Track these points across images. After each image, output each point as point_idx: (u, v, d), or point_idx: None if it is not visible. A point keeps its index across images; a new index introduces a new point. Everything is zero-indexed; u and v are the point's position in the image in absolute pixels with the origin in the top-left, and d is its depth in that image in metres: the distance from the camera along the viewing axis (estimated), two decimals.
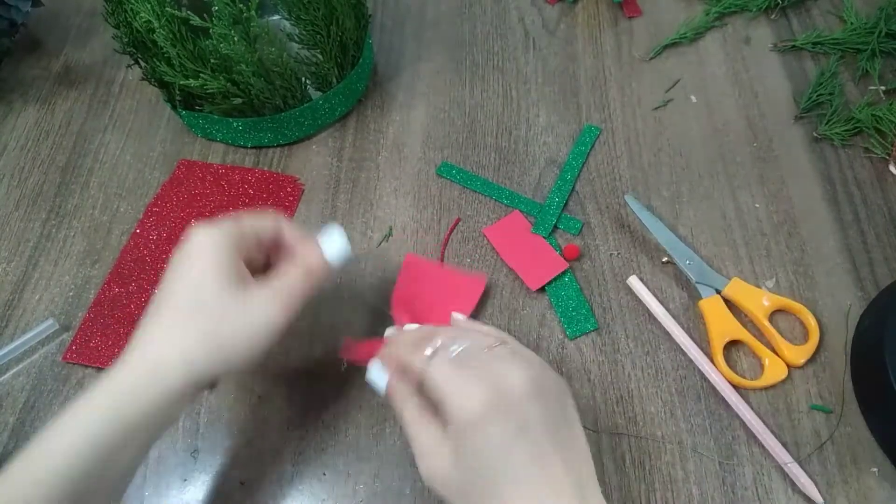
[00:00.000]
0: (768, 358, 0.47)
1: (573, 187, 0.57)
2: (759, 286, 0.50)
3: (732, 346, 0.49)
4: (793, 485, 0.43)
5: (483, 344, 0.37)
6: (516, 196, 0.56)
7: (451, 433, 0.34)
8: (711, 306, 0.49)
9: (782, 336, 0.48)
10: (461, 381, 0.35)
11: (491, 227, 0.54)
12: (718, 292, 0.50)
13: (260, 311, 0.37)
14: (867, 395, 0.45)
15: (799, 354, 0.47)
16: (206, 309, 0.36)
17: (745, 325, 0.49)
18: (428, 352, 0.37)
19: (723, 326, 0.48)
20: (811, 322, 0.48)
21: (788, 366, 0.47)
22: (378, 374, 0.39)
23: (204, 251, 0.37)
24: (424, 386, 0.36)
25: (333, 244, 0.41)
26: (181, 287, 0.37)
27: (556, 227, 0.55)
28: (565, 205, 0.56)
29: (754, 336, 0.48)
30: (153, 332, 0.36)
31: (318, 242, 0.41)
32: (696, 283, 0.50)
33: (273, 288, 0.38)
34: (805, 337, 0.49)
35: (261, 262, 0.41)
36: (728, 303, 0.50)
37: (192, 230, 0.38)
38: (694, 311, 0.50)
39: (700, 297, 0.50)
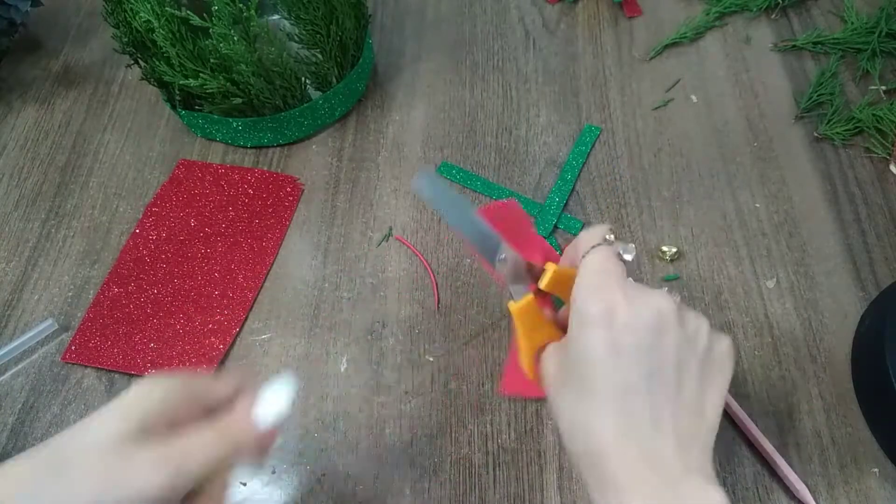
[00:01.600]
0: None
1: (573, 187, 0.56)
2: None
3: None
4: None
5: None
6: (516, 196, 0.56)
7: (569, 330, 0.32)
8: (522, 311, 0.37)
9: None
10: (604, 277, 0.32)
11: (486, 207, 0.50)
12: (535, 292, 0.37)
13: (133, 479, 0.30)
14: (868, 395, 0.45)
15: None
16: (86, 466, 0.30)
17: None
18: (603, 241, 0.34)
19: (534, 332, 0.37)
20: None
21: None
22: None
23: (121, 406, 0.32)
24: (575, 267, 0.34)
25: (277, 401, 0.34)
26: (80, 434, 0.32)
27: (556, 227, 0.54)
28: (565, 205, 0.56)
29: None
30: (19, 470, 0.30)
31: (259, 398, 0.34)
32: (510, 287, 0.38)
33: (165, 452, 0.31)
34: None
35: (192, 415, 0.34)
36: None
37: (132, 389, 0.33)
38: None
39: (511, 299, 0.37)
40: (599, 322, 0.31)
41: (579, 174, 0.57)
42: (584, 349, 0.31)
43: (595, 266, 0.33)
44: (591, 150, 0.59)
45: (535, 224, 0.54)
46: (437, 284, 0.52)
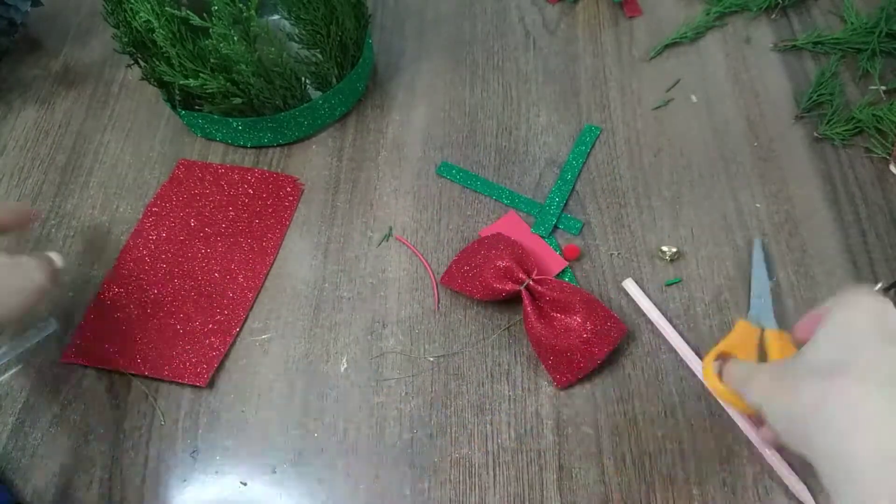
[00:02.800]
0: None
1: (573, 187, 0.57)
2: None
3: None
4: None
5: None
6: (516, 196, 0.56)
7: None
8: (746, 329, 0.47)
9: None
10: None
11: (487, 228, 0.54)
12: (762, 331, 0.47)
13: (30, 268, 0.41)
14: None
15: None
16: None
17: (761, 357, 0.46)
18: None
19: (739, 342, 0.46)
20: None
21: None
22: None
23: None
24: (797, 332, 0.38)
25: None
26: None
27: (556, 227, 0.55)
28: (565, 205, 0.56)
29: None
30: None
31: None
32: (751, 312, 0.49)
33: (39, 257, 0.43)
34: None
35: None
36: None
37: None
38: (693, 313, 0.50)
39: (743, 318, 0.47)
40: (869, 307, 0.32)
41: (579, 174, 0.57)
42: (847, 331, 0.32)
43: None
44: (591, 150, 0.59)
45: (535, 224, 0.54)
46: (436, 284, 0.52)
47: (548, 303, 0.47)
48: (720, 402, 0.46)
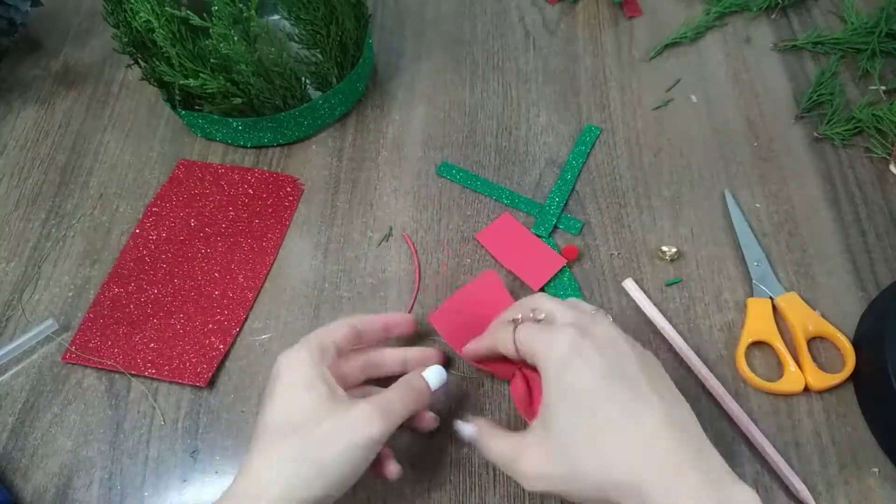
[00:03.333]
0: (791, 368, 0.46)
1: (573, 187, 0.57)
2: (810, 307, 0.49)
3: (757, 347, 0.48)
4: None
5: (567, 312, 0.39)
6: (516, 196, 0.56)
7: (543, 400, 0.36)
8: (758, 306, 0.49)
9: (812, 358, 0.47)
10: (549, 332, 0.37)
11: (483, 231, 0.54)
12: (772, 299, 0.49)
13: (357, 424, 0.36)
14: (868, 395, 0.45)
15: (822, 380, 0.46)
16: (300, 429, 0.36)
17: (781, 335, 0.48)
18: (513, 321, 0.40)
19: (759, 326, 0.48)
20: (849, 358, 0.46)
21: (807, 386, 0.46)
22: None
23: (288, 370, 0.38)
24: (519, 352, 0.38)
25: (434, 373, 0.42)
26: (272, 410, 0.37)
27: (556, 227, 0.55)
28: (565, 205, 0.56)
29: (785, 346, 0.47)
30: (252, 462, 0.36)
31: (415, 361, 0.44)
32: (754, 283, 0.50)
33: (371, 401, 0.37)
34: (835, 368, 0.47)
35: (358, 379, 0.43)
36: (775, 311, 0.49)
37: (278, 358, 0.39)
38: (693, 313, 0.50)
39: (751, 296, 0.50)
40: (569, 360, 0.35)
41: (579, 174, 0.57)
42: (571, 392, 0.34)
43: (526, 336, 0.39)
44: (591, 150, 0.59)
45: (535, 224, 0.54)
46: (418, 289, 0.52)
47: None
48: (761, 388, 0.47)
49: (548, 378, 0.35)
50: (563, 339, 0.35)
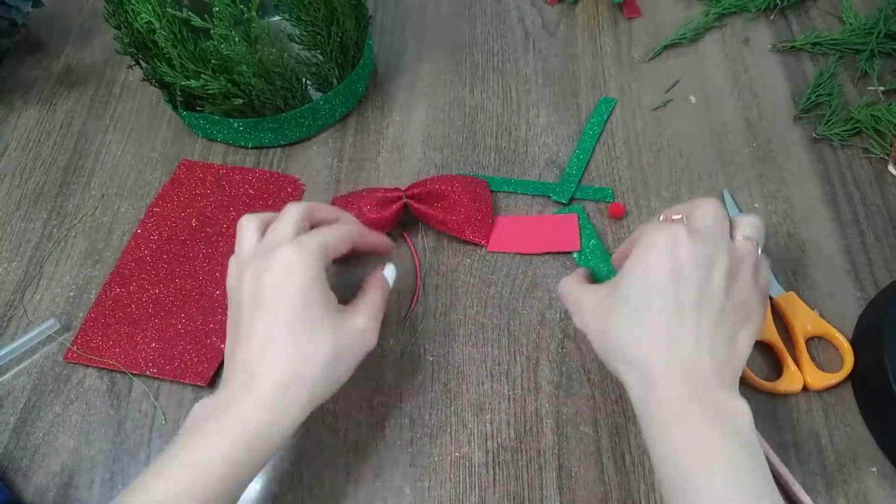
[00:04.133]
0: (791, 367, 0.46)
1: (590, 157, 0.58)
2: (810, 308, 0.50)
3: (756, 346, 0.47)
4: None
5: (703, 218, 0.39)
6: (521, 182, 0.57)
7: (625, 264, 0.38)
8: None
9: (811, 358, 0.47)
10: (663, 223, 0.39)
11: (491, 241, 0.54)
12: (771, 299, 0.49)
13: (361, 328, 0.40)
14: (866, 394, 0.46)
15: (820, 379, 0.46)
16: (321, 328, 0.37)
17: (780, 334, 0.48)
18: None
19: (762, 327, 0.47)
20: (847, 358, 0.46)
21: (805, 385, 0.46)
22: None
23: (299, 271, 0.37)
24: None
25: (391, 270, 0.46)
26: (290, 308, 0.37)
27: (584, 200, 0.56)
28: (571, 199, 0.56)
29: (784, 345, 0.47)
30: (276, 355, 0.36)
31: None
32: None
33: (366, 313, 0.40)
34: (833, 368, 0.47)
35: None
36: (774, 311, 0.49)
37: (279, 249, 0.38)
38: None
39: None
40: (664, 250, 0.36)
41: (594, 147, 0.57)
42: (644, 273, 0.37)
43: (657, 222, 0.41)
44: (608, 119, 0.60)
45: (555, 191, 0.56)
46: (419, 289, 0.52)
47: (428, 198, 0.53)
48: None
49: (637, 250, 0.38)
50: (668, 230, 0.37)
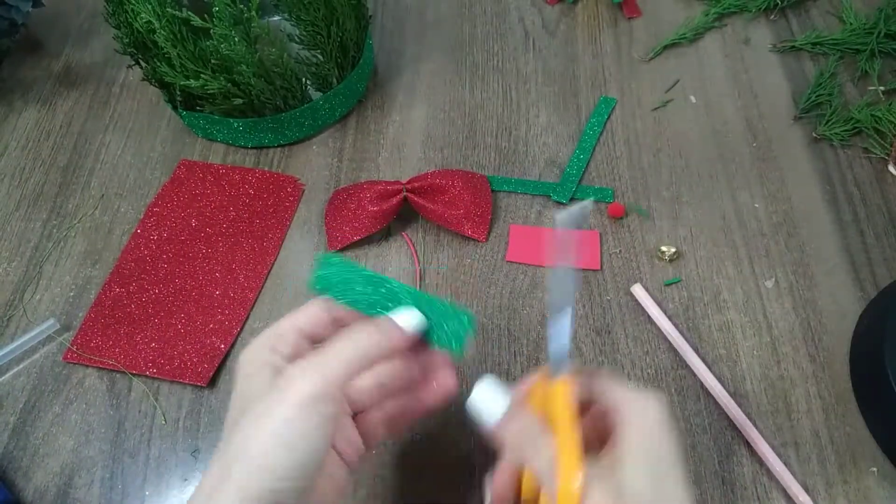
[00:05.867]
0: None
1: (590, 157, 0.58)
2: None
3: None
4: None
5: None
6: (521, 182, 0.57)
7: (621, 444, 0.32)
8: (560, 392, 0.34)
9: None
10: (637, 391, 0.33)
11: (508, 251, 0.53)
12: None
13: (288, 386, 0.31)
14: (867, 395, 0.45)
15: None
16: (247, 413, 0.31)
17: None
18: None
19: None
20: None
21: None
22: (488, 394, 0.34)
23: (240, 365, 0.34)
24: (597, 401, 0.34)
25: (407, 313, 0.37)
26: (231, 406, 0.33)
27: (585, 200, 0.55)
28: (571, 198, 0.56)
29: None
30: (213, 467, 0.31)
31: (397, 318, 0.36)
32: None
33: (304, 358, 0.33)
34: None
35: (372, 396, 0.34)
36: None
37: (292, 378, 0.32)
38: (692, 313, 0.50)
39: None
40: (667, 420, 0.32)
41: (594, 147, 0.57)
42: (658, 451, 0.32)
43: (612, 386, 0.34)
44: (607, 119, 0.60)
45: (555, 191, 0.55)
46: (418, 289, 0.52)
47: (429, 192, 0.53)
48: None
49: (631, 436, 0.32)
50: (659, 403, 0.33)
